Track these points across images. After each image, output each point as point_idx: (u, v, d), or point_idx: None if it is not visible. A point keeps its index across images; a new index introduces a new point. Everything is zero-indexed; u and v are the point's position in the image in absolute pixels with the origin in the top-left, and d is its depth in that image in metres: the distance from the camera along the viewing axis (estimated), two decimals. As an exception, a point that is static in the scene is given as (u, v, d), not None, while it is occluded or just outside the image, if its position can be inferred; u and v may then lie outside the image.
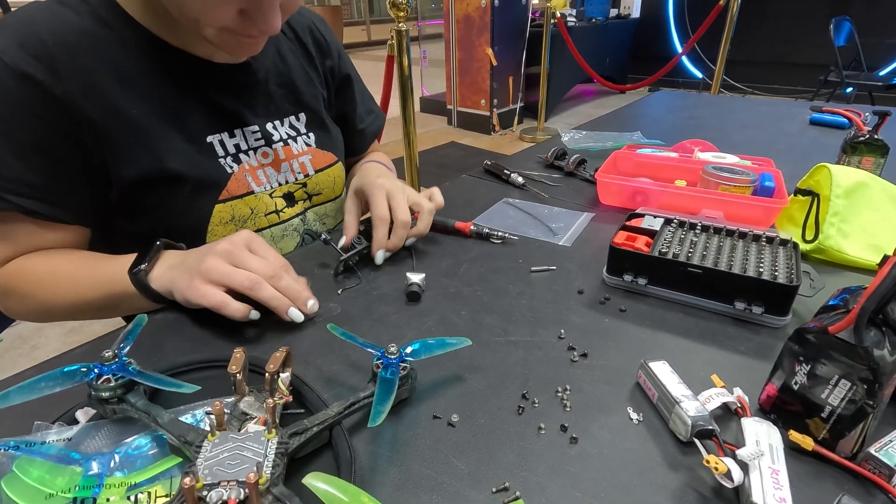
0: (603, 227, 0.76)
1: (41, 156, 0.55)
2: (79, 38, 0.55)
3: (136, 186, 0.60)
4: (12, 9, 1.76)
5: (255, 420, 0.38)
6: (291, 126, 0.74)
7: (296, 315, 0.52)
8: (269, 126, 0.71)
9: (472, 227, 0.73)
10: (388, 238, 0.64)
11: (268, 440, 0.35)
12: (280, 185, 0.72)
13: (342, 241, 0.65)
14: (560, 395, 0.45)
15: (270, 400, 0.37)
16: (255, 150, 0.69)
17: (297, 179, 0.74)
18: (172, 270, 0.54)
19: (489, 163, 1.00)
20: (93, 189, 0.59)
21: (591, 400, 0.44)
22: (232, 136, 0.67)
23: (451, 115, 4.33)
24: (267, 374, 0.39)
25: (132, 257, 0.56)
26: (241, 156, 0.67)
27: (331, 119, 0.82)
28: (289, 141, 0.73)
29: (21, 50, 0.52)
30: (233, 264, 0.51)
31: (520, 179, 0.92)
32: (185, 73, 0.62)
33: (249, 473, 0.31)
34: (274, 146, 0.71)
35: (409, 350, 0.44)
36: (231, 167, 0.66)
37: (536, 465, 0.38)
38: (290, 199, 0.73)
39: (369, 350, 0.44)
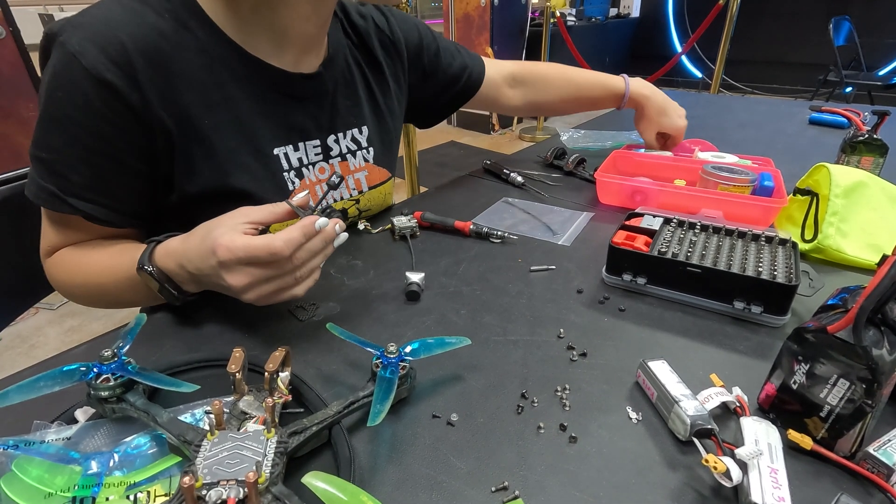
0: (602, 226, 0.76)
1: (109, 162, 0.54)
2: (158, 41, 0.53)
3: (197, 199, 0.59)
4: (11, 9, 1.75)
5: (254, 419, 0.38)
6: (353, 139, 0.73)
7: (342, 239, 0.51)
8: (330, 139, 0.70)
9: (471, 227, 0.73)
10: None
11: (267, 439, 0.35)
12: (335, 201, 0.72)
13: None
14: (559, 394, 0.45)
15: (270, 399, 0.37)
16: (313, 164, 0.68)
17: (351, 196, 0.74)
18: (201, 285, 0.52)
19: (488, 162, 1.00)
20: (153, 196, 0.59)
21: (591, 399, 0.44)
22: (296, 149, 0.66)
23: (450, 114, 4.33)
24: (266, 374, 0.39)
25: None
26: (304, 170, 0.67)
27: (392, 132, 0.80)
28: (347, 156, 0.72)
29: (101, 53, 0.50)
30: (257, 280, 0.47)
31: (519, 179, 0.92)
32: (259, 81, 0.61)
33: (248, 472, 0.31)
34: (331, 161, 0.70)
35: (408, 349, 0.44)
36: (293, 182, 0.65)
37: (535, 465, 0.38)
38: (343, 216, 0.70)
39: (368, 349, 0.44)
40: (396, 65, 0.79)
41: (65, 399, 0.41)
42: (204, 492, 0.31)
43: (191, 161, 0.57)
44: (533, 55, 3.92)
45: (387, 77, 0.78)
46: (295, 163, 0.66)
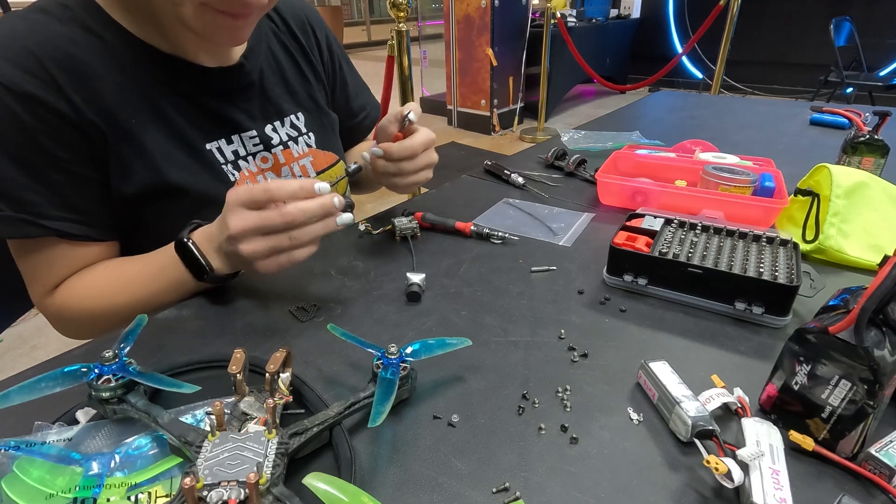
0: (603, 227, 0.76)
1: (62, 175, 0.54)
2: (68, 46, 0.53)
3: (137, 201, 0.59)
4: (13, 9, 1.75)
5: (255, 420, 0.38)
6: (292, 126, 0.73)
7: (346, 219, 0.53)
8: (267, 129, 0.70)
9: (472, 228, 0.73)
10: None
11: (268, 440, 0.35)
12: None
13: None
14: (560, 395, 0.45)
15: (270, 400, 0.37)
16: (253, 155, 0.68)
17: None
18: (227, 263, 0.55)
19: (489, 163, 1.00)
20: (112, 202, 0.59)
21: (592, 400, 0.44)
22: (230, 142, 0.66)
23: (451, 115, 4.33)
24: (267, 375, 0.39)
25: (171, 248, 0.56)
26: (241, 162, 0.67)
27: (330, 115, 0.81)
28: (289, 143, 0.72)
29: (15, 67, 0.50)
30: (252, 226, 0.49)
31: (520, 180, 0.92)
32: (176, 79, 0.60)
33: (249, 474, 0.31)
34: (273, 150, 0.70)
35: (409, 350, 0.44)
36: (232, 174, 0.65)
37: (537, 466, 0.38)
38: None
39: (369, 350, 0.44)
40: (322, 56, 0.79)
41: (66, 400, 0.41)
42: (205, 493, 0.31)
43: (124, 161, 0.57)
44: (533, 56, 3.93)
45: (313, 64, 0.77)
46: (230, 156, 0.66)
